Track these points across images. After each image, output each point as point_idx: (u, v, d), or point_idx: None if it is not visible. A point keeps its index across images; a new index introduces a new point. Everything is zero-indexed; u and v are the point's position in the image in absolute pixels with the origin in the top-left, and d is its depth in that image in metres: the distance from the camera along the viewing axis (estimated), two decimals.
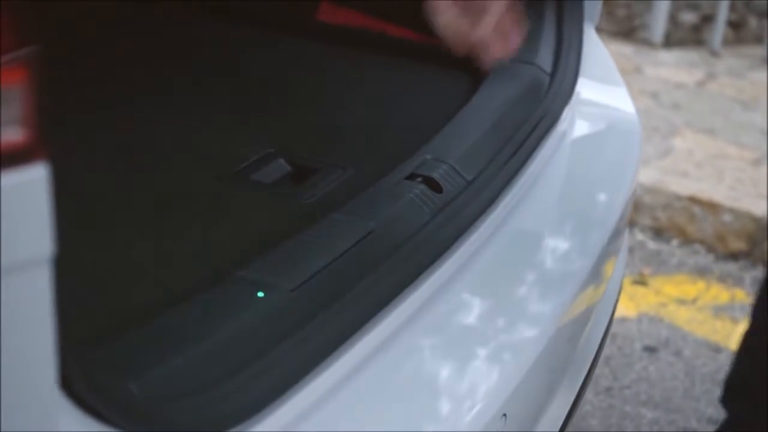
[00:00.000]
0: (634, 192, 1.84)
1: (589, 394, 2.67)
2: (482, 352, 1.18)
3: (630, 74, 4.49)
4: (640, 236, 3.53)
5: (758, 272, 3.36)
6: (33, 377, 0.69)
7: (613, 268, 1.73)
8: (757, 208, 3.41)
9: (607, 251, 1.60)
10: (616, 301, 1.85)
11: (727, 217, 3.43)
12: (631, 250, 3.44)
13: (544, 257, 1.44)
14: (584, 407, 2.61)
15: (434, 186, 1.42)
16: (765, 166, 3.74)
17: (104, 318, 1.01)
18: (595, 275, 1.50)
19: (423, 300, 1.22)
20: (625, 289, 3.21)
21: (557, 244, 1.49)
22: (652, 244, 3.49)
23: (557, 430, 1.45)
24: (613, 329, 2.98)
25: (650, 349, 2.90)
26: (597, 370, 2.78)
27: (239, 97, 1.71)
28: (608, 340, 2.92)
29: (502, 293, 1.30)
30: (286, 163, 1.52)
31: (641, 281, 3.25)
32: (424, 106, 1.75)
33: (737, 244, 3.42)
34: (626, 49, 4.92)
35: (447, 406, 1.08)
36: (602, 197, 1.72)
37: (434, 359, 1.14)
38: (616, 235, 1.66)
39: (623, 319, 3.02)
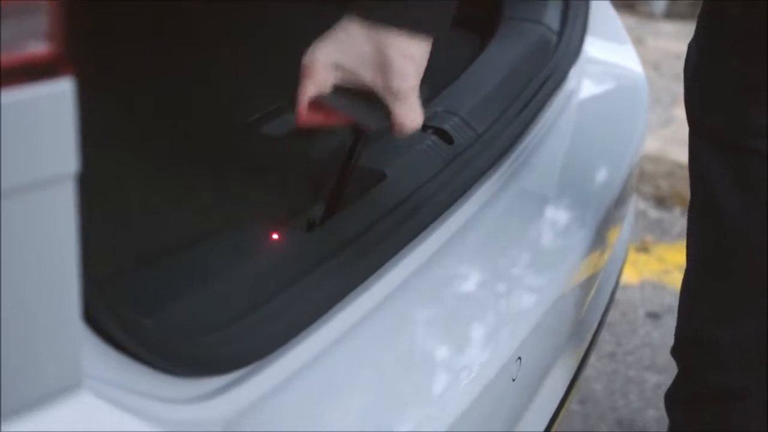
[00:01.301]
0: (641, 151, 1.84)
1: (592, 360, 2.67)
2: (495, 299, 1.17)
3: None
4: (642, 205, 3.52)
5: None
6: (57, 303, 0.68)
7: (619, 234, 1.72)
8: None
9: (614, 215, 1.60)
10: (622, 266, 1.84)
11: None
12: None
13: (553, 212, 1.44)
14: (588, 372, 2.61)
15: (445, 137, 1.42)
16: None
17: (122, 256, 1.00)
18: (601, 235, 1.49)
19: (435, 249, 1.22)
20: (627, 256, 3.22)
21: (565, 201, 1.48)
22: (654, 213, 3.49)
23: (565, 387, 1.45)
24: (616, 296, 2.98)
25: (653, 316, 2.90)
26: (600, 336, 2.79)
27: (252, 56, 1.71)
28: (611, 307, 2.92)
29: (511, 245, 1.30)
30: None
31: (644, 249, 3.24)
32: (434, 63, 1.74)
33: None
34: (628, 20, 4.89)
35: (465, 348, 1.08)
36: (609, 155, 1.71)
37: (448, 304, 1.14)
38: (622, 195, 1.66)
39: (626, 287, 3.02)
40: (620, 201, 1.63)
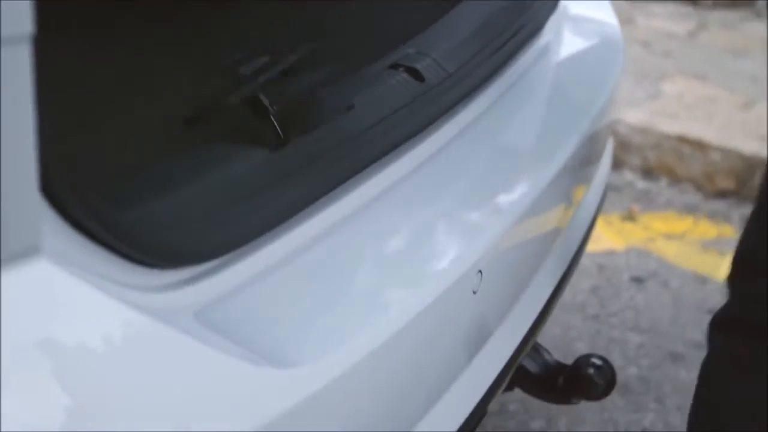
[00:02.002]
0: (614, 101, 1.87)
1: (576, 320, 2.72)
2: (456, 216, 1.22)
3: (622, 24, 4.51)
4: (629, 176, 3.56)
5: (746, 210, 3.39)
6: (13, 168, 0.71)
7: (586, 193, 1.74)
8: (746, 147, 3.44)
9: (584, 154, 1.64)
10: (589, 229, 1.85)
11: (715, 156, 3.46)
12: (619, 190, 3.48)
13: (520, 147, 1.47)
14: (571, 332, 2.66)
15: (416, 76, 1.45)
16: (755, 109, 3.77)
17: (99, 157, 1.04)
18: (568, 172, 1.53)
19: (403, 172, 1.26)
20: (613, 224, 3.26)
21: (531, 137, 1.52)
22: (641, 184, 3.53)
23: (534, 317, 1.49)
24: (601, 262, 3.03)
25: (638, 280, 2.94)
26: (583, 299, 2.83)
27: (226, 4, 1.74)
28: (595, 272, 2.97)
29: (475, 172, 1.34)
30: (271, 61, 1.55)
31: (630, 218, 3.28)
32: (409, 10, 1.78)
33: (726, 183, 3.46)
34: (620, 2, 4.94)
35: (424, 255, 1.12)
36: (579, 103, 1.74)
37: (413, 218, 1.18)
38: (594, 144, 1.69)
39: (611, 253, 3.06)
40: (592, 145, 1.66)
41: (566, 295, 2.82)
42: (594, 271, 2.96)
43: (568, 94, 1.70)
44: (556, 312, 2.75)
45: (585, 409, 2.37)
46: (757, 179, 3.41)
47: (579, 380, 1.59)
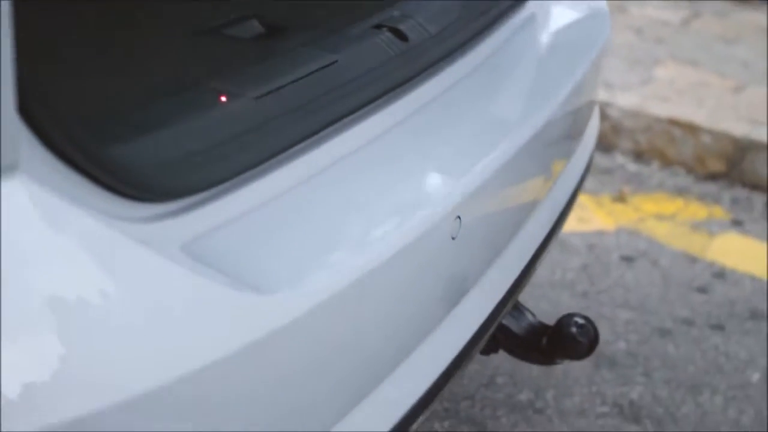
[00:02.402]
0: (598, 70, 1.89)
1: (564, 297, 2.74)
2: (437, 164, 1.24)
3: (614, 12, 4.53)
4: (620, 159, 3.58)
5: (737, 192, 3.42)
6: None
7: (566, 168, 1.76)
8: (737, 129, 3.46)
9: (563, 136, 1.66)
10: (575, 191, 1.86)
11: (706, 139, 3.48)
12: (611, 172, 3.50)
13: (501, 103, 1.49)
14: (559, 308, 2.67)
15: (400, 36, 1.47)
16: (746, 93, 3.79)
17: (86, 93, 1.06)
18: (548, 133, 1.54)
19: (384, 123, 1.28)
20: (603, 206, 3.28)
21: (513, 96, 1.54)
22: (632, 167, 3.55)
23: (512, 281, 1.51)
24: (591, 241, 3.05)
25: (627, 259, 2.96)
26: (573, 276, 2.85)
27: None
28: (585, 251, 2.99)
29: (457, 125, 1.36)
30: (259, 24, 1.58)
31: (620, 199, 3.30)
32: None
33: (716, 165, 3.48)
34: None
35: (402, 201, 1.14)
36: (560, 71, 1.76)
37: (392, 165, 1.20)
38: (573, 109, 1.70)
39: (601, 232, 3.08)
40: (574, 110, 1.68)
41: (555, 272, 2.85)
42: (584, 250, 2.98)
43: (549, 63, 1.72)
44: (545, 289, 2.78)
45: (573, 381, 2.39)
46: (747, 162, 3.44)
47: (562, 339, 1.61)
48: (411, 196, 1.15)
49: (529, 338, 1.65)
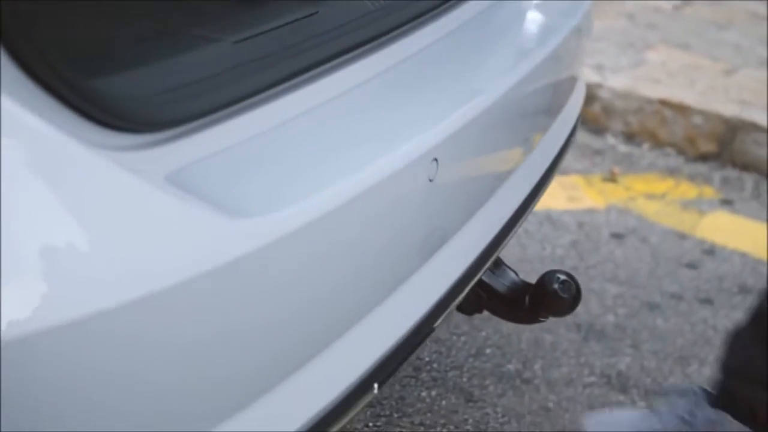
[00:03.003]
0: (580, 44, 1.90)
1: None
2: (415, 108, 1.25)
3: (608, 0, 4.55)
4: (611, 140, 3.59)
5: (727, 172, 3.43)
6: None
7: (544, 138, 1.76)
8: (727, 110, 3.47)
9: (547, 96, 1.67)
10: (561, 151, 1.86)
11: (697, 119, 3.49)
12: (601, 153, 3.51)
13: (483, 54, 1.51)
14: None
15: None
16: (737, 75, 3.80)
17: (71, 27, 1.07)
18: (530, 91, 1.55)
19: (361, 73, 1.29)
20: (594, 185, 3.29)
21: (497, 48, 1.55)
22: (623, 147, 3.56)
23: (493, 235, 1.51)
24: (581, 219, 3.06)
25: (617, 236, 2.97)
26: (562, 252, 2.86)
27: None
28: (575, 228, 3.00)
29: (437, 72, 1.37)
30: None
31: (611, 179, 3.31)
32: None
33: (707, 146, 3.49)
34: None
35: (380, 140, 1.15)
36: (540, 34, 1.76)
37: (371, 106, 1.21)
38: (550, 76, 1.71)
39: (592, 211, 3.09)
40: (558, 68, 1.69)
41: (545, 248, 2.86)
42: (574, 228, 2.99)
43: (530, 26, 1.73)
44: (534, 263, 2.79)
45: (561, 353, 2.40)
46: (737, 142, 3.45)
47: (545, 296, 1.61)
48: (388, 135, 1.16)
49: (512, 297, 1.66)
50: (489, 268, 1.61)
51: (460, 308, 1.79)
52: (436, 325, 1.31)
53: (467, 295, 1.48)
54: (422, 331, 1.28)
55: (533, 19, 1.79)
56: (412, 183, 1.15)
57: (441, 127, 1.21)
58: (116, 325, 0.81)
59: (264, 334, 1.00)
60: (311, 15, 1.33)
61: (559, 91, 1.78)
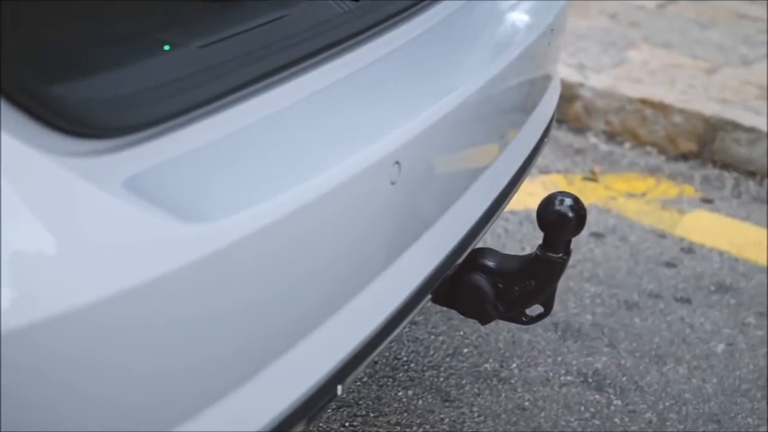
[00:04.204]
0: (554, 43, 1.91)
1: None
2: (375, 112, 1.26)
3: None
4: (593, 139, 3.61)
5: (708, 171, 3.44)
6: None
7: (518, 136, 1.77)
8: (708, 109, 3.49)
9: (520, 93, 1.68)
10: (522, 170, 1.86)
11: (677, 118, 3.51)
12: (582, 152, 3.52)
13: (451, 56, 1.51)
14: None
15: None
16: (718, 75, 3.82)
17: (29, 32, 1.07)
18: (494, 88, 1.56)
19: (325, 77, 1.30)
20: (574, 184, 3.30)
21: (467, 49, 1.56)
22: (604, 147, 3.57)
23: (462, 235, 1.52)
24: None
25: (597, 235, 2.98)
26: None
27: None
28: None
29: (405, 76, 1.38)
30: None
31: (592, 178, 3.33)
32: None
33: (687, 145, 3.51)
34: None
35: (340, 144, 1.16)
36: (511, 34, 1.77)
37: (333, 111, 1.22)
38: (521, 76, 1.72)
39: None
40: (530, 67, 1.70)
41: (524, 248, 2.87)
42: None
43: (502, 26, 1.74)
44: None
45: (538, 352, 2.41)
46: (718, 141, 3.46)
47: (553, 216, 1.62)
48: (349, 139, 1.17)
49: (524, 268, 1.67)
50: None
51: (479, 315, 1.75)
52: (396, 331, 1.31)
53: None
54: (386, 332, 1.29)
55: (505, 19, 1.80)
56: (372, 186, 1.16)
57: (403, 129, 1.22)
58: (67, 332, 0.82)
59: (223, 336, 1.01)
60: (278, 19, 1.33)
61: (532, 90, 1.79)
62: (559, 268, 1.65)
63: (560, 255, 1.64)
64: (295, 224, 1.03)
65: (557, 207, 1.61)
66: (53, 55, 1.05)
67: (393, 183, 1.19)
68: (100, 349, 0.85)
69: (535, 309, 1.72)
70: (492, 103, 1.54)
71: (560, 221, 1.62)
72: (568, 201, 1.62)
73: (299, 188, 1.04)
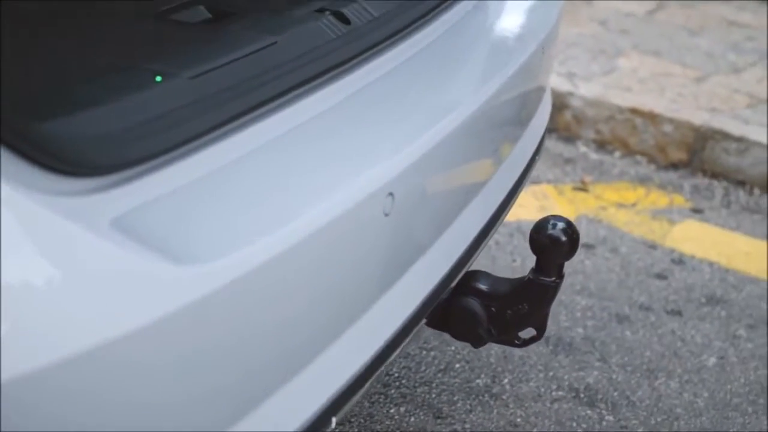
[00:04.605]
0: (546, 56, 1.90)
1: None
2: (367, 142, 1.25)
3: (580, 4, 4.56)
4: (583, 148, 3.60)
5: (697, 180, 3.45)
6: None
7: (512, 153, 1.76)
8: (697, 118, 3.49)
9: (511, 114, 1.67)
10: (515, 189, 1.85)
11: (667, 127, 3.51)
12: (572, 162, 3.52)
13: (443, 82, 1.50)
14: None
15: (342, 18, 1.48)
16: (708, 83, 3.82)
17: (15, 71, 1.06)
18: (491, 117, 1.56)
19: (316, 105, 1.29)
20: (565, 194, 3.30)
21: (457, 74, 1.55)
22: (594, 156, 3.57)
23: (463, 249, 1.52)
24: None
25: (588, 246, 2.98)
26: (532, 264, 2.86)
27: None
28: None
29: (396, 105, 1.37)
30: (205, 10, 1.58)
31: (582, 188, 3.32)
32: None
33: (677, 154, 3.51)
34: None
35: (332, 178, 1.15)
36: (504, 53, 1.77)
37: (324, 143, 1.21)
38: (521, 87, 1.72)
39: None
40: (522, 88, 1.70)
41: (515, 260, 2.86)
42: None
43: (494, 45, 1.73)
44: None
45: (529, 367, 2.41)
46: (708, 151, 3.46)
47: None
48: (342, 173, 1.16)
49: (516, 289, 1.66)
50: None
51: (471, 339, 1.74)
52: (390, 359, 1.31)
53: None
54: (379, 363, 1.28)
55: (498, 37, 1.79)
56: (366, 220, 1.15)
57: (396, 159, 1.21)
58: (56, 382, 0.81)
59: (216, 374, 1.00)
60: (269, 46, 1.32)
61: (526, 106, 1.79)
62: (551, 291, 1.64)
63: (553, 279, 1.64)
64: (288, 263, 1.03)
65: (550, 231, 1.61)
66: (38, 89, 1.04)
67: (387, 215, 1.18)
68: (95, 395, 0.84)
69: (528, 332, 1.71)
70: (486, 125, 1.53)
71: (553, 245, 1.61)
72: (560, 225, 1.61)
73: (292, 226, 1.03)
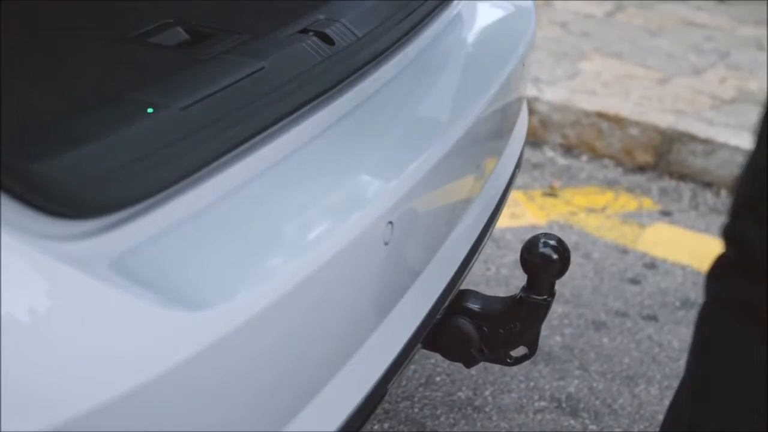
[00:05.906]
0: (524, 69, 1.90)
1: (500, 293, 2.74)
2: (366, 170, 1.23)
3: (540, 7, 4.56)
4: (550, 153, 3.61)
5: (665, 182, 3.46)
6: None
7: (497, 165, 1.76)
8: (663, 121, 3.51)
9: (492, 132, 1.66)
10: (506, 191, 1.85)
11: (633, 131, 3.52)
12: (540, 167, 3.52)
13: (430, 105, 1.49)
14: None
15: (326, 39, 1.46)
16: (671, 84, 3.84)
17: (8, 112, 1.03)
18: (475, 136, 1.54)
19: (312, 130, 1.27)
20: (535, 200, 3.30)
21: (442, 96, 1.54)
22: (562, 160, 3.58)
23: (453, 271, 1.51)
24: (524, 236, 3.04)
25: None
26: (507, 272, 2.86)
27: None
28: (518, 246, 2.99)
29: (385, 129, 1.35)
30: (183, 31, 1.55)
31: (551, 193, 3.33)
32: None
33: (644, 157, 3.52)
34: None
35: (332, 210, 1.13)
36: (488, 68, 1.76)
37: (320, 173, 1.19)
38: (501, 106, 1.70)
39: (534, 227, 3.10)
40: (502, 108, 1.69)
41: (490, 268, 2.86)
42: (517, 246, 2.98)
43: (477, 60, 1.72)
44: (480, 286, 2.78)
45: (510, 378, 2.40)
46: (674, 153, 3.48)
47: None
48: (341, 204, 1.14)
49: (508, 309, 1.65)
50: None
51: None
52: (390, 385, 1.29)
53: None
54: (390, 377, 1.26)
55: (480, 53, 1.78)
56: (367, 251, 1.14)
57: (395, 187, 1.19)
58: None
59: (227, 416, 0.97)
60: (258, 71, 1.30)
61: (509, 120, 1.78)
62: (543, 310, 1.63)
63: (544, 297, 1.63)
64: (294, 300, 1.00)
65: (541, 249, 1.60)
66: (30, 131, 1.01)
67: (386, 243, 1.17)
68: None
69: (520, 350, 1.70)
70: (474, 142, 1.52)
71: (544, 263, 1.60)
72: (551, 243, 1.60)
73: (299, 263, 1.01)
